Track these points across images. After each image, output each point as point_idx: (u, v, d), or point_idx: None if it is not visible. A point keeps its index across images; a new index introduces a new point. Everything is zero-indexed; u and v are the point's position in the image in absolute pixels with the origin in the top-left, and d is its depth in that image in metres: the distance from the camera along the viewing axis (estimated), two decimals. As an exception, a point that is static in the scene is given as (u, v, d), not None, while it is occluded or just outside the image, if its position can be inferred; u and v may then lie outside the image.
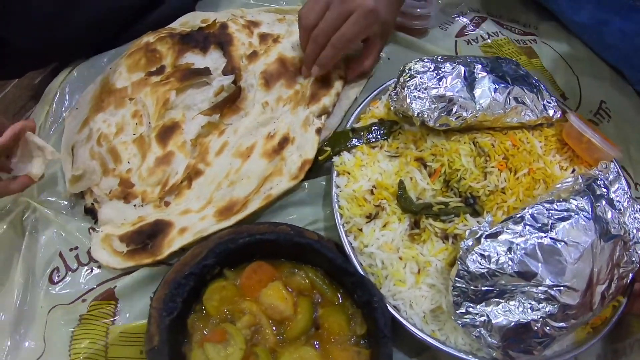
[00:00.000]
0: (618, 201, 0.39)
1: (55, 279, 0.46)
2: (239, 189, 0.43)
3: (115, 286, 0.43)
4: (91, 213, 0.48)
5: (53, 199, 0.51)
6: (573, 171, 0.44)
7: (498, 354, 0.33)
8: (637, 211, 0.40)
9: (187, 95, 0.49)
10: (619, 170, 0.42)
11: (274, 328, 0.37)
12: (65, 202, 0.51)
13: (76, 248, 0.47)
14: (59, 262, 0.47)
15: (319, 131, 0.46)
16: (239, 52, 0.52)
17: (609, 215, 0.36)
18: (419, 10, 0.58)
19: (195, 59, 0.52)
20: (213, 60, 0.52)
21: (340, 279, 0.36)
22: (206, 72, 0.50)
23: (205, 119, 0.48)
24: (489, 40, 0.62)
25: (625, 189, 0.41)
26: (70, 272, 0.46)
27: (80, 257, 0.47)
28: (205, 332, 0.37)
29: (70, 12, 0.57)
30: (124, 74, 0.52)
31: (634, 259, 0.38)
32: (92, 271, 0.46)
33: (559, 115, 0.46)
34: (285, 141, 0.45)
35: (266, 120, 0.46)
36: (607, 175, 0.40)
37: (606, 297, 0.35)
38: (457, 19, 0.65)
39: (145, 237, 0.43)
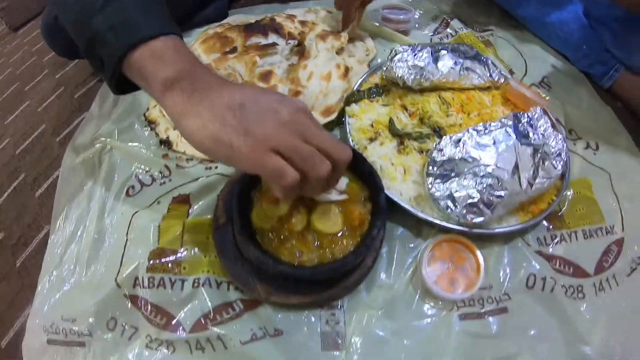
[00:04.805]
0: (541, 127, 0.58)
1: (131, 193, 0.61)
2: (330, 98, 0.68)
3: (190, 192, 0.60)
4: (167, 143, 0.65)
5: (130, 142, 0.66)
6: (513, 116, 0.65)
7: (460, 218, 0.54)
8: (559, 139, 0.59)
9: (267, 59, 0.73)
10: (545, 112, 0.62)
11: None
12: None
13: (150, 169, 0.62)
14: (134, 181, 0.62)
15: (369, 64, 0.76)
16: (291, 31, 0.78)
17: (529, 130, 0.56)
18: (401, 16, 0.83)
19: (260, 40, 0.76)
20: (273, 39, 0.77)
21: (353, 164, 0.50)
22: (274, 44, 0.74)
23: (289, 63, 0.72)
24: (455, 36, 0.86)
25: (549, 123, 0.59)
26: (144, 187, 0.61)
27: (155, 176, 0.62)
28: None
29: None
30: (202, 55, 0.74)
31: (557, 167, 0.57)
32: (164, 183, 0.62)
33: (502, 80, 0.68)
34: (347, 70, 0.72)
35: (333, 57, 0.73)
36: (533, 114, 0.59)
37: (533, 184, 0.55)
38: (431, 22, 0.90)
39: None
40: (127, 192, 0.62)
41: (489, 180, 0.52)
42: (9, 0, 1.08)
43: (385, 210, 0.50)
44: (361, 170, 0.52)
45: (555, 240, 0.60)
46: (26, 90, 0.91)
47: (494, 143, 0.54)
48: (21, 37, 1.10)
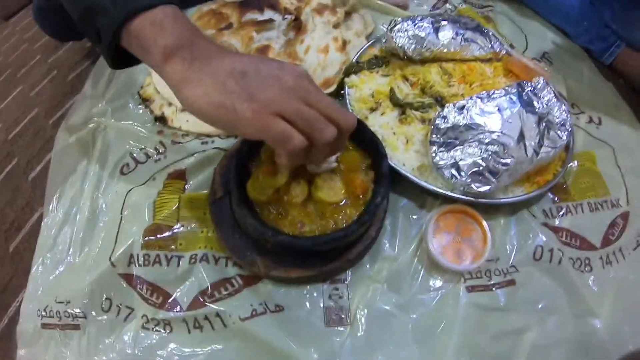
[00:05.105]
0: (544, 96, 0.56)
1: (125, 171, 0.59)
2: (328, 71, 0.67)
3: (186, 168, 0.58)
4: (161, 120, 0.64)
5: (125, 121, 0.64)
6: (515, 87, 0.63)
7: (465, 187, 0.52)
8: (563, 109, 0.57)
9: (264, 34, 0.71)
10: (547, 83, 0.60)
11: None
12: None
13: (145, 147, 0.60)
14: (129, 159, 0.60)
15: (367, 37, 0.74)
16: (286, 7, 0.76)
17: (533, 98, 0.54)
18: (399, -10, 0.81)
19: (256, 16, 0.75)
20: (269, 15, 0.76)
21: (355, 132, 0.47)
22: (271, 20, 0.73)
23: (286, 38, 0.70)
24: (455, 12, 0.84)
25: (552, 94, 0.57)
26: (139, 164, 0.59)
27: (149, 153, 0.60)
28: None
29: None
30: None
31: (562, 137, 0.55)
32: (159, 160, 0.60)
33: (504, 52, 0.66)
34: (344, 43, 0.71)
35: (330, 31, 0.71)
36: (536, 84, 0.57)
37: (538, 152, 0.53)
38: (429, -1, 0.88)
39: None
40: (121, 170, 0.60)
41: (495, 148, 0.50)
42: (-1, -10, 1.07)
43: (388, 177, 0.47)
44: (363, 138, 0.50)
45: (561, 213, 0.58)
46: (18, 76, 0.89)
47: (499, 110, 0.52)
48: (12, 26, 1.08)
